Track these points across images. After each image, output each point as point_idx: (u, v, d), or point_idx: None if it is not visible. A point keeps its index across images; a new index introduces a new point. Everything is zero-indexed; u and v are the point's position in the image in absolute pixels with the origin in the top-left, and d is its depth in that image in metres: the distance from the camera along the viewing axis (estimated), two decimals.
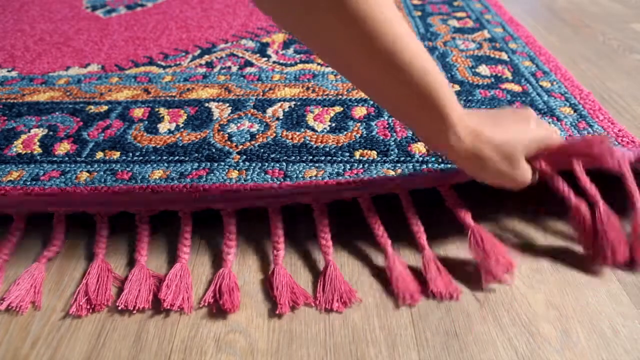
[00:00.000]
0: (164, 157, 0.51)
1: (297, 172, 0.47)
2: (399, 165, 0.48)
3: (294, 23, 0.33)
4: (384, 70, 0.33)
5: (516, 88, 0.62)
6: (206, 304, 0.35)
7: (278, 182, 0.45)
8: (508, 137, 0.36)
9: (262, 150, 0.51)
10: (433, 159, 0.49)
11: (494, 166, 0.35)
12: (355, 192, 0.43)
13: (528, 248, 0.40)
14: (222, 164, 0.49)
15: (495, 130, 0.36)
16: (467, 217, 0.39)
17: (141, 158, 0.51)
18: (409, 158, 0.49)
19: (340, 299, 0.35)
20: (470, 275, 0.38)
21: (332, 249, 0.39)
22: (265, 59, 0.74)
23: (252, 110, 0.59)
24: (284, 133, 0.54)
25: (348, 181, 0.43)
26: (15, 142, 0.55)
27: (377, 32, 0.31)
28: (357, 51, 0.32)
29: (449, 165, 0.47)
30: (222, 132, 0.55)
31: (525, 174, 0.37)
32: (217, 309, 0.36)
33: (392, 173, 0.46)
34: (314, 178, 0.46)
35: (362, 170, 0.47)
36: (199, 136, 0.54)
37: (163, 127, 0.57)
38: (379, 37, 0.31)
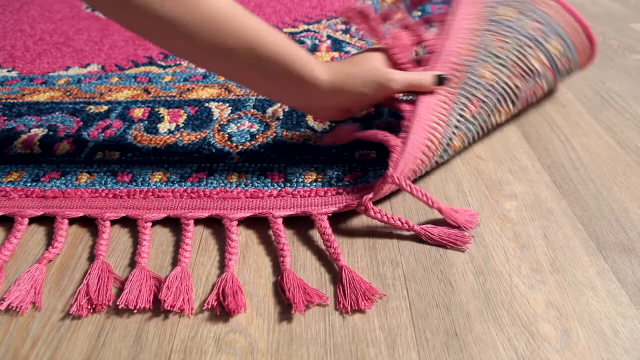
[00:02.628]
0: (164, 158, 0.51)
1: (298, 174, 0.47)
2: None
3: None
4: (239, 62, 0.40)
5: None
6: (209, 306, 0.35)
7: (278, 189, 0.45)
8: (355, 69, 0.43)
9: (262, 150, 0.51)
10: None
11: (355, 90, 0.43)
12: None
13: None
14: (222, 165, 0.49)
15: (346, 66, 0.44)
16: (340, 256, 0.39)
17: (141, 158, 0.51)
18: None
19: (364, 296, 0.35)
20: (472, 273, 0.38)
21: (342, 254, 0.39)
22: None
23: (252, 110, 0.59)
24: (284, 133, 0.54)
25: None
26: (15, 142, 0.55)
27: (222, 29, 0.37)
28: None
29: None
30: (222, 132, 0.55)
31: (397, 83, 0.43)
32: (221, 311, 0.36)
33: None
34: (314, 184, 0.46)
35: (360, 174, 0.47)
36: (199, 136, 0.54)
37: (163, 127, 0.57)
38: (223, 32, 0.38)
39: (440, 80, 0.45)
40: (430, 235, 0.40)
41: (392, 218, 0.41)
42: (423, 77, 0.45)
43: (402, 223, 0.41)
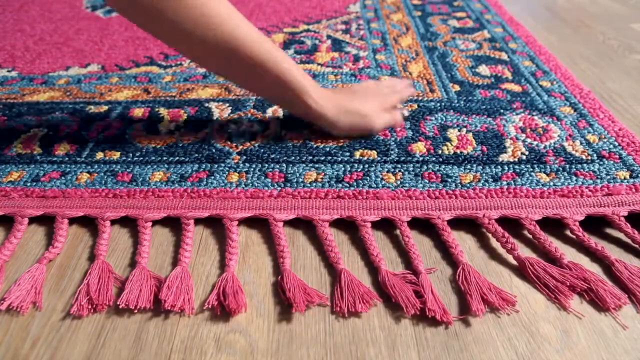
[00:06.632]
0: (164, 158, 0.51)
1: (298, 174, 0.47)
2: (399, 165, 0.48)
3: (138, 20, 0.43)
4: (231, 63, 0.45)
5: (516, 88, 0.62)
6: (210, 306, 0.35)
7: (278, 189, 0.45)
8: (353, 100, 0.51)
9: (262, 150, 0.51)
10: (433, 159, 0.49)
11: (345, 120, 0.50)
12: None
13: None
14: (222, 165, 0.49)
15: (342, 96, 0.52)
16: (460, 255, 0.39)
17: (141, 158, 0.51)
18: (409, 158, 0.49)
19: (362, 299, 0.35)
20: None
21: (342, 258, 0.39)
22: None
23: (252, 110, 0.59)
24: (284, 133, 0.54)
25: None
26: (15, 142, 0.55)
27: (211, 29, 0.41)
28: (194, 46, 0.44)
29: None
30: (222, 132, 0.55)
31: (374, 122, 0.51)
32: (221, 311, 0.36)
33: (392, 178, 0.46)
34: (314, 184, 0.46)
35: (362, 174, 0.47)
36: (198, 136, 0.54)
37: (163, 127, 0.57)
38: (213, 33, 0.42)
39: (405, 117, 0.55)
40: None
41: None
42: (398, 118, 0.54)
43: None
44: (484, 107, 0.58)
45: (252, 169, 0.48)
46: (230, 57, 0.44)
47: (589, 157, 0.48)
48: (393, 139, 0.52)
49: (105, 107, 0.62)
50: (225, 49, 0.43)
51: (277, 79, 0.46)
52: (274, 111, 0.59)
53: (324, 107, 0.49)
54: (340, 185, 0.46)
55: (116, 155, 0.52)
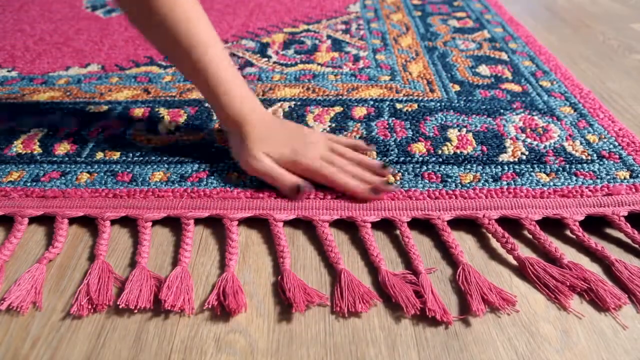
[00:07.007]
0: (164, 158, 0.51)
1: None
2: (399, 165, 0.48)
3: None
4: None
5: (516, 88, 0.62)
6: (210, 306, 0.35)
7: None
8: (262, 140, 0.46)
9: None
10: (433, 159, 0.49)
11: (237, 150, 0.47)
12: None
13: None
14: (222, 165, 0.49)
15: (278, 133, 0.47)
16: (460, 255, 0.39)
17: (141, 158, 0.51)
18: (408, 158, 0.49)
19: (362, 299, 0.35)
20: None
21: (342, 258, 0.39)
22: (266, 59, 0.74)
23: None
24: None
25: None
26: (15, 142, 0.55)
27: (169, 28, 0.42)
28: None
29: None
30: (222, 132, 0.55)
31: (256, 167, 0.45)
32: (221, 311, 0.36)
33: (392, 179, 0.46)
34: None
35: None
36: (198, 136, 0.54)
37: (163, 127, 0.57)
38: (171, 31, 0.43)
39: (298, 189, 0.43)
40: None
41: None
42: (286, 179, 0.44)
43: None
44: (484, 107, 0.58)
45: None
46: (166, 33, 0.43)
47: (589, 157, 0.48)
48: (393, 139, 0.52)
49: (105, 107, 0.62)
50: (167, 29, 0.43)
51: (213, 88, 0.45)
52: (274, 111, 0.59)
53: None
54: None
55: (116, 155, 0.52)
